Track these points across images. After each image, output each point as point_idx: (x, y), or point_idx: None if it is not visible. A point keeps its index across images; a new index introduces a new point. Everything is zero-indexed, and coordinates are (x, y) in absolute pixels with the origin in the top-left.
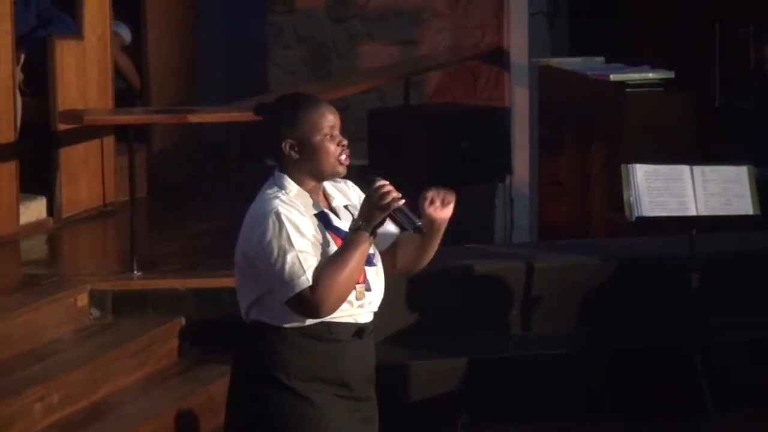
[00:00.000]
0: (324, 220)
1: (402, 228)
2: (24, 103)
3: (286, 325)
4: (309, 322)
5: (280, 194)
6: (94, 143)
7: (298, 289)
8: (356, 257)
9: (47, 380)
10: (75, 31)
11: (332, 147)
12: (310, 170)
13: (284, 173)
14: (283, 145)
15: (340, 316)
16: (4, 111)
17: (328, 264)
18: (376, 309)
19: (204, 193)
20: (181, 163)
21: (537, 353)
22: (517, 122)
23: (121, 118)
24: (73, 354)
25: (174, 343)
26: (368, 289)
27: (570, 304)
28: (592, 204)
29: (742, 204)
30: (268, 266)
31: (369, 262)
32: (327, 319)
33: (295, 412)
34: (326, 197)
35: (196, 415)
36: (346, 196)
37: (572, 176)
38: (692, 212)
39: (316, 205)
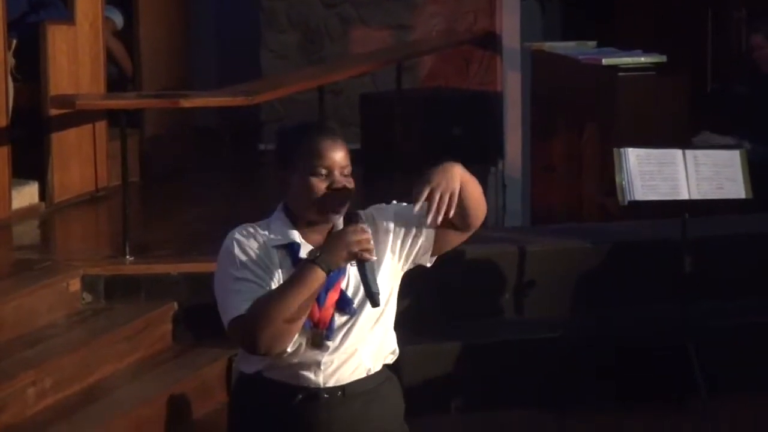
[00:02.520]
0: (291, 252)
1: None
2: (16, 89)
3: (245, 371)
4: (263, 366)
5: (253, 224)
6: (86, 128)
7: (230, 316)
8: (301, 292)
9: (40, 365)
10: (67, 16)
11: (321, 187)
12: (299, 208)
13: (283, 204)
14: (278, 174)
15: (293, 374)
16: None
17: (267, 295)
18: (355, 372)
19: (196, 177)
20: (174, 148)
21: (530, 337)
22: (509, 106)
23: (113, 102)
24: (65, 339)
25: (166, 327)
26: (328, 338)
27: (563, 289)
28: (585, 188)
29: (734, 188)
30: (216, 292)
31: (341, 308)
32: (275, 376)
33: None
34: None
35: (189, 400)
36: (372, 222)
37: (564, 160)
38: (684, 196)
39: (291, 236)
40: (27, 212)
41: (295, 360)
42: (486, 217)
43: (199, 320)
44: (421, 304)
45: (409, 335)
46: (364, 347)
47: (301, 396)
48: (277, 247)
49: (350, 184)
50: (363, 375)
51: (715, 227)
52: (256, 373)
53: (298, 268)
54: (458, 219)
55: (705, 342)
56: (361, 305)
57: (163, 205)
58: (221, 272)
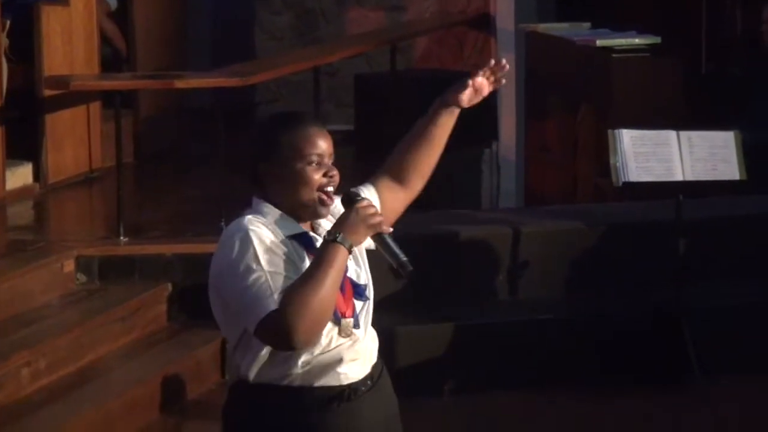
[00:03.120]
0: (305, 242)
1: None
2: (10, 69)
3: (258, 380)
4: (286, 374)
5: (253, 216)
6: (81, 109)
7: (264, 313)
8: (331, 274)
9: (34, 345)
10: None
11: (315, 176)
12: (288, 201)
13: (262, 200)
14: (261, 167)
15: (325, 372)
16: None
17: (297, 282)
18: (373, 357)
19: (190, 158)
20: (168, 129)
21: (524, 319)
22: (503, 88)
23: (107, 83)
24: (59, 319)
25: (161, 308)
26: (356, 326)
27: (557, 270)
28: (579, 169)
29: (729, 169)
30: (233, 291)
31: (359, 294)
32: (307, 382)
33: None
34: (313, 227)
35: (183, 380)
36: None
37: (559, 142)
38: (679, 177)
39: (297, 227)
40: (21, 193)
41: (329, 357)
42: (480, 199)
43: (194, 301)
44: (414, 285)
45: (401, 317)
46: (371, 333)
47: (346, 394)
48: (290, 237)
49: (338, 175)
50: (375, 360)
51: (709, 208)
52: (274, 381)
53: (321, 251)
54: (420, 158)
55: (699, 322)
56: (368, 291)
57: (158, 185)
58: (237, 269)
